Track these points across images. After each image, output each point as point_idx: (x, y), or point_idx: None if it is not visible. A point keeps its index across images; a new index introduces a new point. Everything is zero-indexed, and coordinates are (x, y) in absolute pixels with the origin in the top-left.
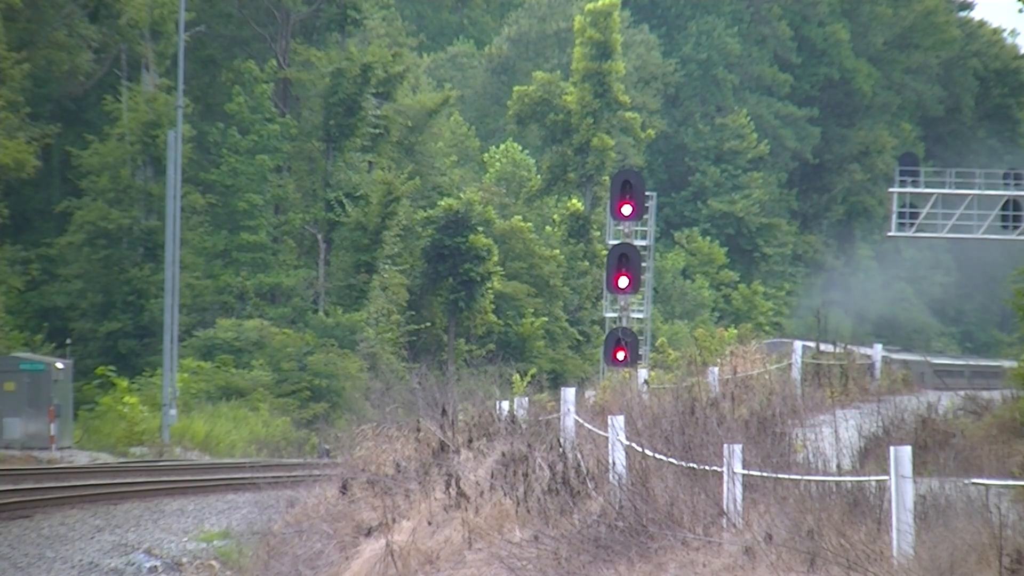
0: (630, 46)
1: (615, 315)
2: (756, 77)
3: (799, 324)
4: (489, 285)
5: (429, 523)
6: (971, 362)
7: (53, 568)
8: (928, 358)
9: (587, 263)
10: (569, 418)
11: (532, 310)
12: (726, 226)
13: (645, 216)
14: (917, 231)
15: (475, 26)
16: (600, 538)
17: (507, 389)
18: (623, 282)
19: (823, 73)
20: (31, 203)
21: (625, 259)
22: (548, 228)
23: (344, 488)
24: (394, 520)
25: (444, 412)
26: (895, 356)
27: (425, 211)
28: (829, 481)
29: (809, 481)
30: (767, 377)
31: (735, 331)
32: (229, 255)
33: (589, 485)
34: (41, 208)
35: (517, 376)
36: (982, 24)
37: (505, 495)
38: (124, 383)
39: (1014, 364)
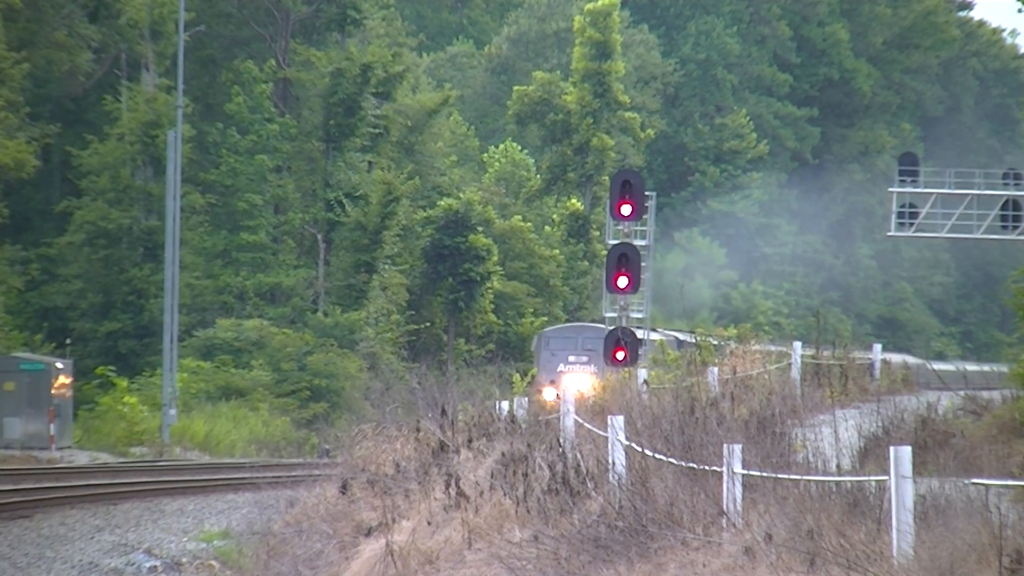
0: (629, 46)
1: (614, 315)
2: (755, 77)
3: (799, 324)
4: (489, 285)
5: (429, 523)
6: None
7: (53, 568)
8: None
9: (587, 263)
10: (569, 418)
11: (532, 310)
12: (726, 226)
13: (645, 216)
14: (917, 231)
15: (475, 26)
16: (600, 538)
17: (507, 389)
18: (623, 282)
19: (823, 73)
20: (31, 203)
21: (625, 259)
22: (548, 228)
23: (344, 488)
24: (394, 520)
25: (444, 412)
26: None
27: (425, 211)
28: (829, 481)
29: (809, 481)
30: (767, 377)
31: (735, 331)
32: (229, 255)
33: (589, 485)
34: (41, 208)
35: (517, 376)
36: (981, 24)
37: (505, 495)
38: (124, 383)
39: (910, 359)
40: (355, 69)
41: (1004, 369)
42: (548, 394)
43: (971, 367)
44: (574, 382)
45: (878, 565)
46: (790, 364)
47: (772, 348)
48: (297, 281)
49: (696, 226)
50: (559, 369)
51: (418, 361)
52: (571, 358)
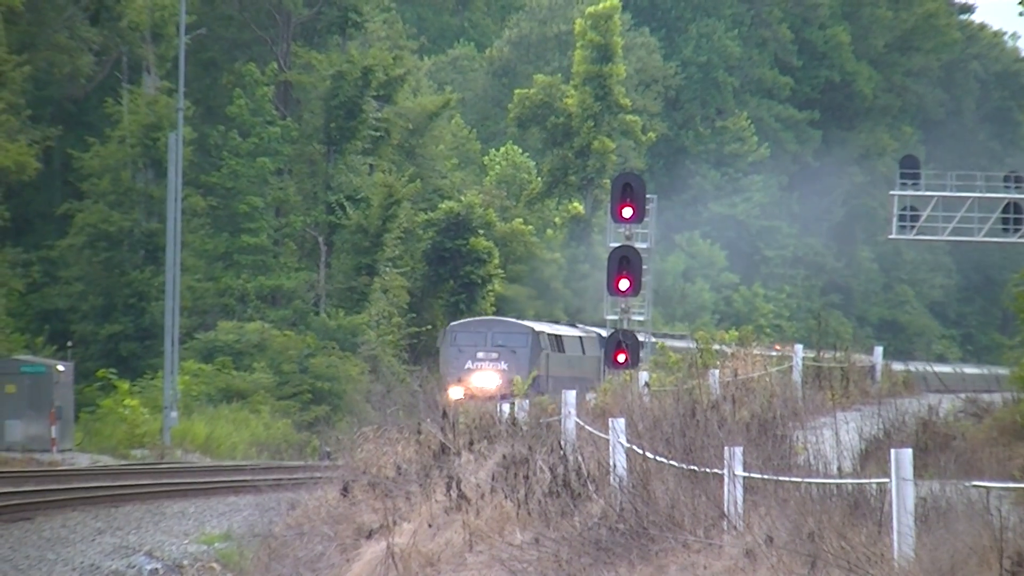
0: (631, 49)
1: (616, 317)
2: (757, 80)
3: (800, 327)
4: (490, 288)
5: (430, 525)
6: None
7: (54, 570)
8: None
9: (588, 266)
10: (570, 420)
11: (533, 313)
12: (726, 229)
13: (646, 219)
14: (918, 234)
15: (476, 29)
16: (601, 540)
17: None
18: (624, 285)
19: (824, 76)
20: (32, 206)
21: (626, 262)
22: (549, 231)
23: (345, 490)
24: (395, 522)
25: (445, 414)
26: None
27: (426, 214)
28: (830, 483)
29: (810, 483)
30: (768, 380)
31: (736, 333)
32: (230, 257)
33: (590, 487)
34: (42, 211)
35: (518, 378)
36: (983, 27)
37: (506, 497)
38: (125, 385)
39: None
40: (356, 72)
41: (970, 371)
42: (455, 393)
43: (935, 368)
44: (483, 380)
45: (879, 567)
46: (791, 367)
47: (773, 354)
48: (298, 284)
49: (697, 229)
50: (467, 367)
51: (419, 364)
52: (480, 355)
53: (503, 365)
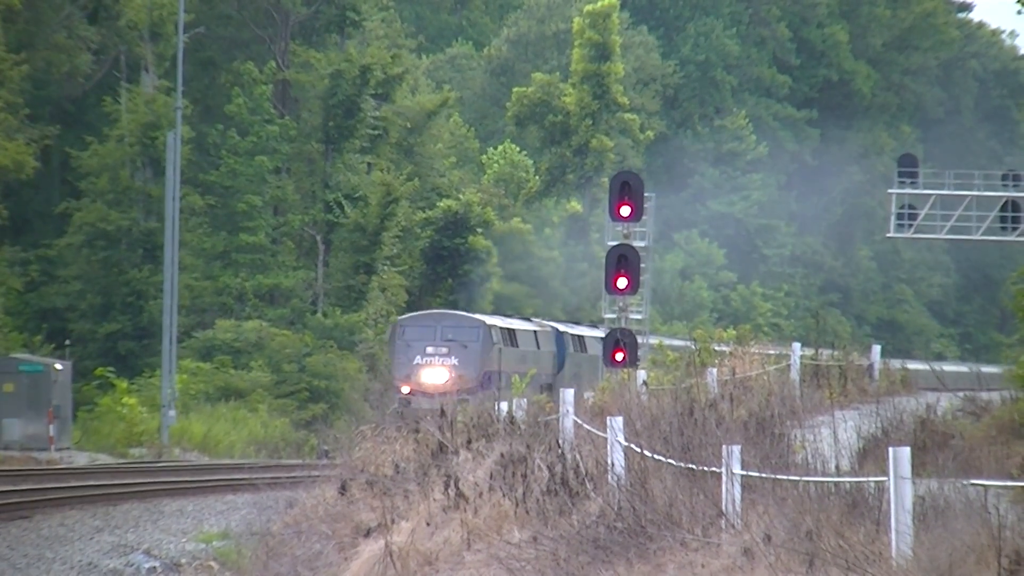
0: (629, 47)
1: (614, 316)
2: (755, 79)
3: (798, 326)
4: (488, 286)
5: (428, 524)
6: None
7: (52, 569)
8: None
9: (586, 264)
10: (568, 419)
11: (531, 311)
12: (725, 227)
13: (644, 217)
14: (916, 232)
15: (474, 27)
16: (599, 539)
17: (506, 389)
18: (622, 283)
19: (822, 74)
20: (30, 204)
21: (624, 260)
22: (547, 230)
23: (343, 489)
24: (393, 521)
25: (443, 413)
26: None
27: (424, 212)
28: (828, 482)
29: (808, 482)
30: (766, 378)
31: (734, 332)
32: (228, 256)
33: (588, 486)
34: (40, 209)
35: (516, 377)
36: (981, 25)
37: (504, 496)
38: (123, 384)
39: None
40: (354, 71)
41: (953, 368)
42: (404, 391)
43: (912, 365)
44: (432, 376)
45: (877, 566)
46: (789, 365)
47: (771, 352)
48: (296, 282)
49: (695, 227)
50: (416, 362)
51: None
52: (429, 349)
53: (453, 360)
